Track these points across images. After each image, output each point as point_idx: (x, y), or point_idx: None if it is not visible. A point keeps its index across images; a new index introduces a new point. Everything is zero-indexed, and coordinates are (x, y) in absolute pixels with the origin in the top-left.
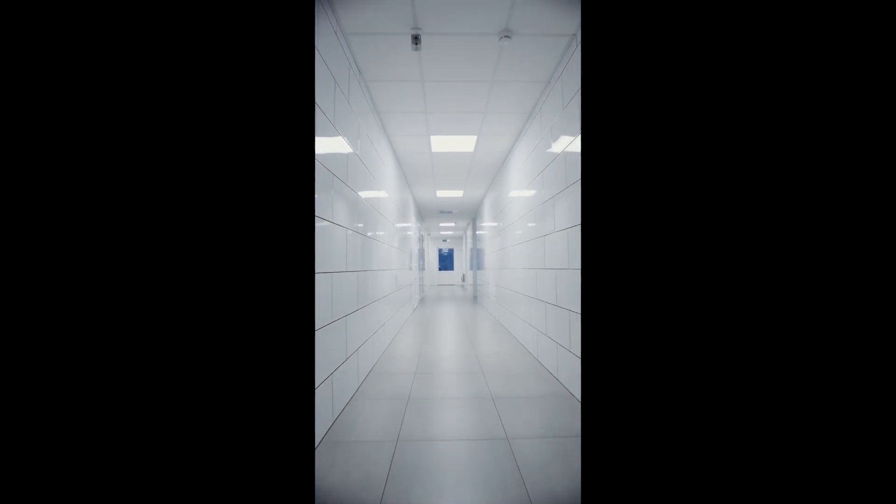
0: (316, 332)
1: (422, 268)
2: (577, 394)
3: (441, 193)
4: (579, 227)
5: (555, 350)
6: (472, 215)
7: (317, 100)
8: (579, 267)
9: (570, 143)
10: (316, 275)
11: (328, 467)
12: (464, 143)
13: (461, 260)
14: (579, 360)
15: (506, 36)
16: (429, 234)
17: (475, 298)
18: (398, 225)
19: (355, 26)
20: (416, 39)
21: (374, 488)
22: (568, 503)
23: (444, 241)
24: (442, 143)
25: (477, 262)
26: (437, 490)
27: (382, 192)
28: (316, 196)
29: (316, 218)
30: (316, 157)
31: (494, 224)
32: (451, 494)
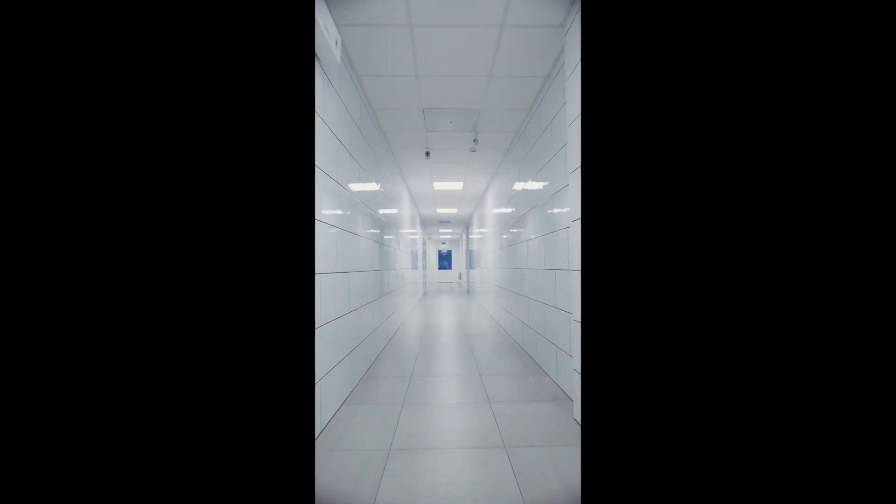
0: (354, 311)
1: (424, 267)
2: (509, 331)
3: (440, 210)
4: (520, 244)
5: (506, 314)
6: (466, 223)
7: (372, 174)
8: (527, 267)
9: (523, 185)
10: (340, 273)
11: (388, 354)
12: (455, 185)
13: (458, 260)
14: (514, 317)
15: (472, 150)
16: (430, 238)
17: (468, 292)
18: (404, 230)
19: (397, 146)
20: (427, 154)
21: (411, 359)
22: (485, 349)
23: (444, 242)
24: (440, 185)
25: (470, 262)
26: (438, 354)
27: (395, 210)
28: (340, 213)
29: (342, 230)
30: (352, 192)
31: (484, 230)
32: (443, 350)
